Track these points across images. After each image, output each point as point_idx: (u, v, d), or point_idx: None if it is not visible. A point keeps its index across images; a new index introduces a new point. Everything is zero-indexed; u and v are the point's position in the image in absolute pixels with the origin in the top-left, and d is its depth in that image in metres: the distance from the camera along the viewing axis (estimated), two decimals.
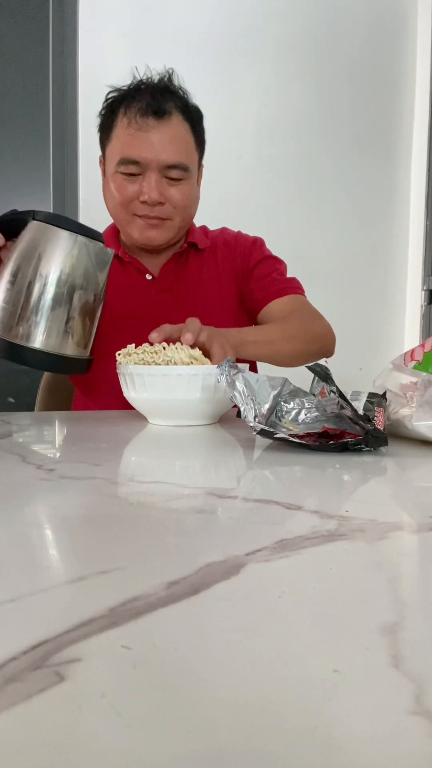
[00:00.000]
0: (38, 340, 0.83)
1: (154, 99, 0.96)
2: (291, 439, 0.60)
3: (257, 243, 1.15)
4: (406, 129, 2.26)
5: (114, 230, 1.11)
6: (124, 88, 1.01)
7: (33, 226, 0.84)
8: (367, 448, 0.61)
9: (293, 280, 1.14)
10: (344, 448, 0.60)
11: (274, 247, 1.21)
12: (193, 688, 0.20)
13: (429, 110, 2.21)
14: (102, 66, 1.81)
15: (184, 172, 0.99)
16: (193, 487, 0.47)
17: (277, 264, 1.14)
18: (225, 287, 1.12)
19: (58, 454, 0.65)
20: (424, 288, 2.24)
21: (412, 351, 0.76)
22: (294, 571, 0.30)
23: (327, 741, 0.17)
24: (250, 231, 1.19)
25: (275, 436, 0.61)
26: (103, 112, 1.04)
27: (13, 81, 1.82)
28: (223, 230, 1.18)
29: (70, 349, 0.85)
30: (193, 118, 1.01)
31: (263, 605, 0.26)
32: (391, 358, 0.78)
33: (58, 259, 0.82)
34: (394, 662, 0.21)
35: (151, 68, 1.02)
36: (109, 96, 1.03)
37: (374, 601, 0.26)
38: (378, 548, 0.33)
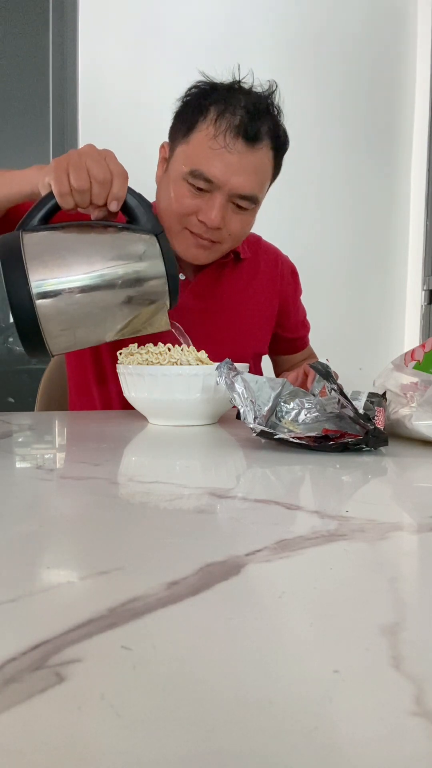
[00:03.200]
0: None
1: (251, 120, 0.89)
2: (291, 439, 0.60)
3: (296, 274, 1.21)
4: (406, 129, 2.26)
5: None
6: (218, 81, 0.94)
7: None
8: (368, 448, 0.61)
9: (307, 323, 1.26)
10: (344, 448, 0.60)
11: (272, 244, 1.21)
12: (193, 688, 0.20)
13: (429, 110, 2.21)
14: (102, 66, 1.81)
15: (251, 204, 0.95)
16: (193, 487, 0.47)
17: (302, 303, 1.24)
18: (269, 302, 1.13)
19: (58, 454, 0.65)
20: (424, 288, 2.24)
21: (413, 351, 0.76)
22: (294, 571, 0.30)
23: (327, 741, 0.17)
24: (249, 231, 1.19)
25: (275, 436, 0.61)
26: (187, 100, 0.95)
27: (13, 81, 1.82)
28: (260, 240, 1.17)
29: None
30: (280, 146, 0.96)
31: (263, 605, 0.26)
32: (391, 358, 0.78)
33: None
34: (394, 663, 0.21)
35: (254, 74, 0.95)
36: (199, 86, 0.95)
37: (374, 601, 0.26)
38: (378, 548, 0.33)
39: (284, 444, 0.61)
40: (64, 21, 1.82)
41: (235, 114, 0.89)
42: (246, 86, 0.95)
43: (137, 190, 0.79)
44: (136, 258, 0.76)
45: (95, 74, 1.81)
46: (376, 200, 2.23)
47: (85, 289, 0.73)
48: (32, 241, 0.73)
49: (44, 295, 0.71)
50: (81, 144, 1.82)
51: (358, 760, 0.17)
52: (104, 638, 0.23)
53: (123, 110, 1.80)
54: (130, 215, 0.78)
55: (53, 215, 0.76)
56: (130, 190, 0.77)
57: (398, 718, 0.18)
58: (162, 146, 1.00)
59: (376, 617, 0.25)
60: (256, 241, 1.16)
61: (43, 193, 0.76)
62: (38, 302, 0.71)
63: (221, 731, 0.18)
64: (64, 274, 0.73)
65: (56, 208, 0.75)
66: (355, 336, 2.16)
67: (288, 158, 1.02)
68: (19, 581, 0.28)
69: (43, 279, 0.71)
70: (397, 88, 2.23)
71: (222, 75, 0.97)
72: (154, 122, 1.30)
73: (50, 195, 0.75)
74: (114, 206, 0.76)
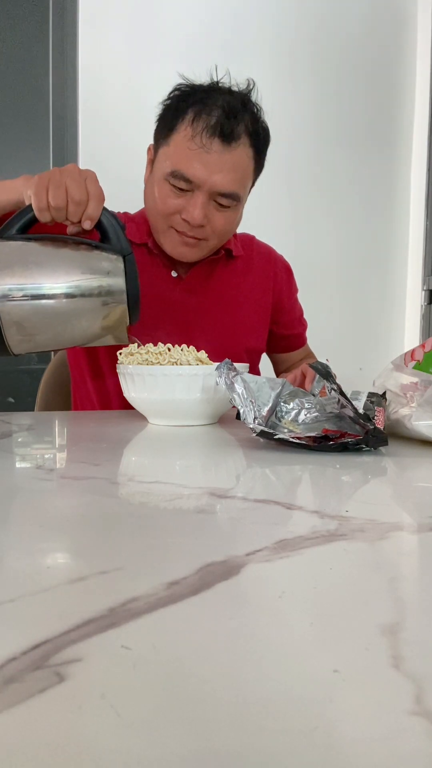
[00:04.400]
0: None
1: (227, 119, 0.91)
2: (291, 439, 0.60)
3: (291, 271, 1.22)
4: (406, 129, 2.26)
5: (145, 216, 1.08)
6: (197, 84, 0.96)
7: None
8: (367, 448, 0.61)
9: (304, 321, 1.25)
10: (344, 448, 0.60)
11: (267, 243, 1.22)
12: (193, 688, 0.20)
13: (429, 110, 2.21)
14: (102, 66, 1.81)
15: (233, 201, 0.96)
16: (193, 487, 0.47)
17: (298, 300, 1.24)
18: (263, 298, 1.14)
19: (58, 454, 0.65)
20: (424, 288, 2.24)
21: (413, 351, 0.76)
22: (294, 571, 0.30)
23: (327, 741, 0.17)
24: (250, 231, 1.19)
25: (275, 436, 0.61)
26: (167, 103, 0.97)
27: (13, 81, 1.82)
28: (253, 239, 1.18)
29: None
30: (260, 143, 0.97)
31: (263, 605, 0.26)
32: (391, 358, 0.78)
33: None
34: (394, 662, 0.21)
35: (231, 73, 0.96)
36: (179, 89, 0.97)
37: (374, 601, 0.26)
38: (378, 548, 0.33)
39: (284, 444, 0.61)
40: (64, 21, 1.82)
41: (212, 114, 0.91)
42: (225, 86, 0.97)
43: (135, 194, 0.82)
44: (100, 274, 0.81)
45: (95, 74, 1.81)
46: (376, 200, 2.23)
47: (44, 299, 0.79)
48: (4, 249, 0.79)
49: (5, 301, 0.77)
50: (81, 144, 1.82)
51: (358, 760, 0.17)
52: (104, 638, 0.23)
53: (123, 110, 1.80)
54: (103, 234, 0.83)
55: (33, 225, 0.82)
56: (105, 211, 0.82)
57: (398, 718, 0.18)
58: (148, 149, 1.03)
59: (376, 617, 0.25)
60: (249, 240, 1.17)
61: (27, 203, 0.81)
62: (1, 307, 0.77)
63: (221, 731, 0.18)
64: (28, 282, 0.78)
65: (35, 219, 0.81)
66: (355, 336, 2.16)
67: (288, 158, 1.02)
68: (19, 581, 0.28)
69: (6, 286, 0.77)
70: (397, 87, 2.23)
71: (225, 74, 0.97)
72: (154, 122, 1.30)
73: (28, 208, 0.80)
74: (87, 225, 0.80)
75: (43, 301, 0.79)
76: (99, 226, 0.82)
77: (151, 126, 1.01)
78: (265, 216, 1.97)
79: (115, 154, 1.67)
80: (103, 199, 0.81)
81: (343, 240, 2.17)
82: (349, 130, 2.14)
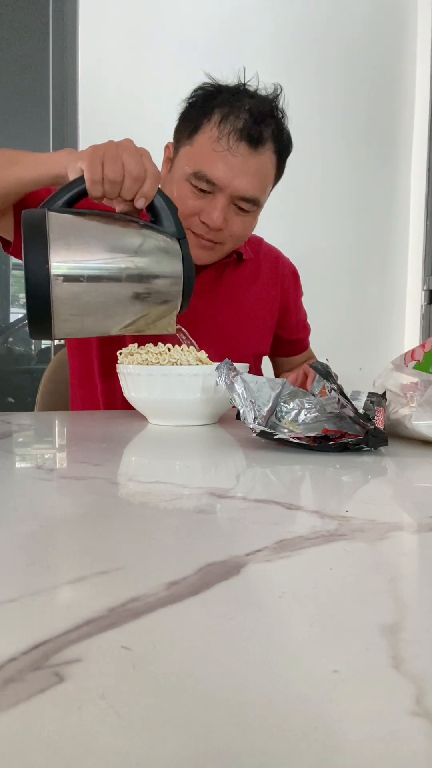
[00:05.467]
0: None
1: (255, 123, 0.90)
2: (291, 439, 0.60)
3: (297, 276, 1.22)
4: (407, 129, 2.26)
5: None
6: (223, 84, 0.95)
7: None
8: (367, 448, 0.61)
9: (308, 326, 1.26)
10: (344, 448, 0.60)
11: (274, 246, 1.22)
12: (193, 688, 0.20)
13: (429, 110, 2.21)
14: (102, 66, 1.81)
15: (253, 206, 0.95)
16: (193, 487, 0.47)
17: (303, 305, 1.25)
18: (270, 302, 1.14)
19: (58, 454, 0.65)
20: (424, 288, 2.24)
21: (412, 351, 0.76)
22: (294, 571, 0.30)
23: (327, 741, 0.17)
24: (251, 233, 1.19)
25: (275, 436, 0.61)
26: (191, 101, 0.96)
27: (13, 81, 1.82)
28: (261, 242, 1.18)
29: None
30: (283, 149, 0.97)
31: (263, 605, 0.26)
32: (391, 358, 0.78)
33: None
34: (394, 663, 0.21)
35: (260, 77, 0.95)
36: (204, 88, 0.96)
37: (374, 601, 0.26)
38: (378, 548, 0.33)
39: (284, 444, 0.61)
40: (64, 21, 1.82)
41: (239, 117, 0.90)
42: (251, 89, 0.95)
43: None
44: (158, 256, 0.76)
45: (95, 74, 1.81)
46: (377, 200, 2.23)
47: (103, 279, 0.73)
48: (58, 222, 0.72)
49: (62, 277, 0.71)
50: (81, 143, 1.82)
51: (358, 760, 0.17)
52: (104, 638, 0.23)
53: (123, 110, 1.80)
54: (154, 216, 0.78)
55: (78, 201, 0.75)
56: (160, 192, 0.77)
57: (398, 718, 0.18)
58: (167, 146, 1.01)
59: (376, 617, 0.25)
60: (257, 243, 1.17)
61: (72, 177, 0.75)
62: (55, 283, 0.70)
63: (221, 731, 0.18)
64: (86, 259, 0.72)
65: (83, 194, 0.75)
66: (355, 336, 2.16)
67: (289, 159, 1.02)
68: (19, 581, 0.28)
69: (64, 261, 0.71)
70: (398, 88, 2.23)
71: (223, 74, 0.97)
72: (154, 122, 1.30)
73: (79, 180, 0.74)
74: (141, 203, 0.75)
75: (102, 279, 0.72)
76: (151, 207, 0.77)
77: (152, 126, 1.01)
78: (266, 216, 1.98)
79: None
80: (160, 178, 0.76)
81: (344, 240, 2.17)
82: (350, 130, 2.14)
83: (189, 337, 0.83)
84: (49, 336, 0.75)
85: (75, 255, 0.71)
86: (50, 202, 0.74)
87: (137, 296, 0.75)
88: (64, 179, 0.77)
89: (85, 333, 0.77)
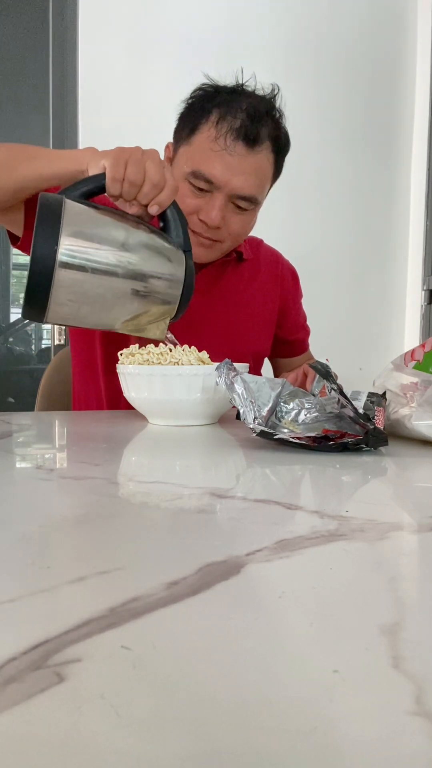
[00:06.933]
0: None
1: (252, 123, 0.91)
2: (291, 439, 0.60)
3: (297, 277, 1.22)
4: (406, 129, 2.26)
5: None
6: (221, 85, 0.96)
7: None
8: (367, 448, 0.61)
9: (308, 327, 1.27)
10: (344, 448, 0.60)
11: (273, 247, 1.22)
12: (193, 688, 0.20)
13: (429, 110, 2.21)
14: (102, 66, 1.81)
15: (251, 204, 0.96)
16: (193, 487, 0.47)
17: (302, 306, 1.25)
18: (270, 303, 1.14)
19: (58, 454, 0.65)
20: (424, 288, 2.24)
21: (412, 351, 0.76)
22: (294, 571, 0.30)
23: (327, 741, 0.17)
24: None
25: (275, 436, 0.61)
26: (190, 102, 0.97)
27: (13, 80, 1.82)
28: (261, 243, 1.19)
29: None
30: (281, 148, 0.98)
31: (263, 605, 0.26)
32: (391, 358, 0.78)
33: None
34: (394, 662, 0.21)
35: (256, 75, 0.96)
36: (203, 89, 0.97)
37: (374, 601, 0.26)
38: (378, 548, 0.33)
39: (284, 444, 0.61)
40: (64, 21, 1.82)
41: (236, 117, 0.91)
42: (249, 89, 0.96)
43: None
44: (163, 259, 0.77)
45: (95, 74, 1.81)
46: (376, 200, 2.23)
47: (106, 272, 0.74)
48: (74, 209, 0.73)
49: (68, 263, 0.72)
50: (81, 144, 1.82)
51: (358, 760, 0.17)
52: (104, 638, 0.23)
53: (123, 110, 1.80)
54: (165, 225, 0.80)
55: (94, 196, 0.76)
56: (174, 203, 0.79)
57: (398, 718, 0.18)
58: (167, 146, 1.02)
59: (376, 617, 0.25)
60: (257, 244, 1.17)
61: (93, 174, 0.77)
62: (59, 267, 0.71)
63: (221, 731, 0.18)
64: (93, 250, 0.73)
65: (100, 190, 0.76)
66: (355, 336, 2.16)
67: (288, 159, 1.03)
68: (19, 581, 0.28)
69: (72, 247, 0.72)
70: (397, 88, 2.23)
71: (222, 75, 0.97)
72: (154, 122, 1.30)
73: (100, 176, 0.76)
74: (155, 210, 0.77)
75: (105, 272, 0.73)
76: (163, 216, 0.79)
77: (151, 126, 1.02)
78: (265, 216, 1.98)
79: None
80: (177, 191, 0.78)
81: (344, 240, 2.17)
82: (349, 130, 2.14)
83: (175, 340, 0.84)
84: (41, 318, 0.75)
85: (84, 244, 0.73)
86: (68, 191, 0.75)
87: (136, 293, 0.76)
88: (84, 176, 0.78)
89: (77, 322, 0.78)
